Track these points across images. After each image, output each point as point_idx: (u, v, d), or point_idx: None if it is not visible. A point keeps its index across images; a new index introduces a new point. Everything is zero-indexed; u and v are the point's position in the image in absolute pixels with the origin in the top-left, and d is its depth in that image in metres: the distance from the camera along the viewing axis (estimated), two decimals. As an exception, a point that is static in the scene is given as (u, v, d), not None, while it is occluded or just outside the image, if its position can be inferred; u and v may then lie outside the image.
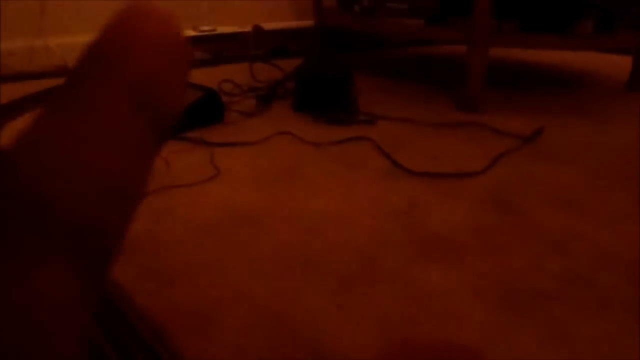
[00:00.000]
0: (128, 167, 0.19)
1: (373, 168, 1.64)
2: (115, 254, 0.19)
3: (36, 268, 0.17)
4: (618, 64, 2.86)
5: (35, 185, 0.18)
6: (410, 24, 2.43)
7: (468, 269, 1.16)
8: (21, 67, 2.51)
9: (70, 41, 2.65)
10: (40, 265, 0.17)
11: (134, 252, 1.17)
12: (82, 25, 2.71)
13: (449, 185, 1.55)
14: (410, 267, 1.16)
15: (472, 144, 1.86)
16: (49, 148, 0.18)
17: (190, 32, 2.85)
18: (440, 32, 2.40)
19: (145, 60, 0.21)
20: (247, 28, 3.00)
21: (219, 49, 2.90)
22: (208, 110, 1.91)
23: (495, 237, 1.30)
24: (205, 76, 2.31)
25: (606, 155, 1.85)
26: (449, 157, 1.75)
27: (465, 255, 1.22)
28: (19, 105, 2.05)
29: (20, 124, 1.88)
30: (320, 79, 2.06)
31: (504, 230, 1.33)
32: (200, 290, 1.06)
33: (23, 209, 0.17)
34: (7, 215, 0.17)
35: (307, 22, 3.05)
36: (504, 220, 1.37)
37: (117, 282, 1.06)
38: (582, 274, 1.17)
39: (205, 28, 2.90)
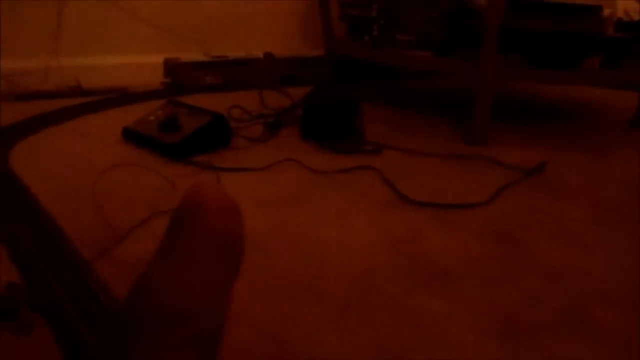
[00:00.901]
0: (222, 289, 0.28)
1: (377, 197, 1.66)
2: (220, 342, 0.29)
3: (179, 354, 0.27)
4: (624, 100, 2.88)
5: (174, 306, 0.27)
6: (418, 55, 2.46)
7: (465, 298, 1.18)
8: (35, 86, 2.55)
9: (84, 63, 2.69)
10: (181, 353, 0.27)
11: (135, 273, 1.19)
12: (96, 47, 2.75)
13: (451, 216, 1.57)
14: (408, 295, 1.18)
15: (476, 176, 1.88)
16: (177, 283, 0.26)
17: (202, 57, 2.89)
18: (448, 65, 2.43)
19: (221, 218, 0.28)
20: (259, 55, 3.04)
21: (230, 74, 2.93)
22: (216, 135, 1.94)
23: (494, 268, 1.32)
24: (215, 101, 2.35)
25: (608, 190, 1.87)
26: (452, 188, 1.78)
27: (463, 285, 1.24)
28: (31, 125, 2.08)
29: (30, 142, 1.91)
30: (327, 108, 2.09)
31: (503, 262, 1.35)
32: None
33: (165, 321, 0.27)
34: (156, 324, 0.26)
35: (318, 51, 3.09)
36: (504, 252, 1.39)
37: (117, 301, 1.08)
38: (579, 308, 1.19)
39: (217, 54, 2.93)
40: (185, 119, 1.93)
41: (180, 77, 2.80)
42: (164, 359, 0.25)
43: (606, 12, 4.28)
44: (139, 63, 2.83)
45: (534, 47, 2.38)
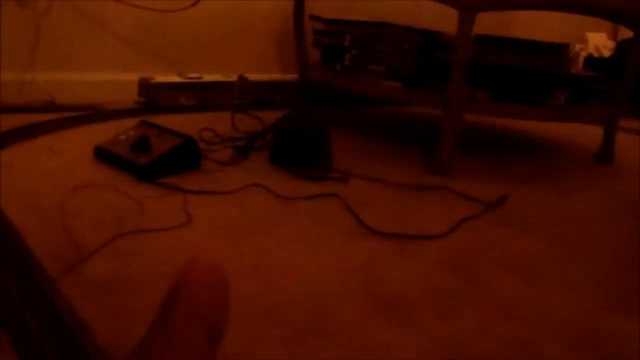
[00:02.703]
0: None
1: (339, 225, 1.70)
2: None
3: None
4: (590, 135, 2.94)
5: None
6: (389, 85, 2.51)
7: (417, 328, 1.22)
8: (9, 99, 2.56)
9: (59, 78, 2.71)
10: None
11: (100, 292, 1.22)
12: (71, 63, 2.77)
13: (410, 246, 1.61)
14: (362, 323, 1.22)
15: (438, 207, 1.93)
16: (163, 356, 0.30)
17: (176, 78, 2.92)
18: (417, 96, 2.48)
19: (208, 297, 0.33)
20: (233, 78, 3.08)
21: (204, 96, 2.96)
22: (186, 157, 1.97)
23: (448, 299, 1.36)
24: (188, 122, 2.38)
25: (567, 225, 1.92)
26: (413, 218, 1.82)
27: (416, 315, 1.27)
28: (2, 139, 2.10)
29: (1, 157, 1.93)
30: (296, 134, 2.13)
31: (457, 294, 1.39)
32: (161, 333, 1.11)
33: None
34: None
35: (292, 76, 3.13)
36: (459, 284, 1.44)
37: (80, 319, 1.11)
38: (529, 341, 1.23)
39: (192, 75, 2.97)
40: (156, 140, 1.96)
41: (154, 97, 2.82)
42: None
43: (577, 47, 4.38)
44: (113, 81, 2.85)
45: (501, 82, 2.44)
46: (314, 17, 2.95)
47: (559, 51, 2.61)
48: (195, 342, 0.29)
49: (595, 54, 4.45)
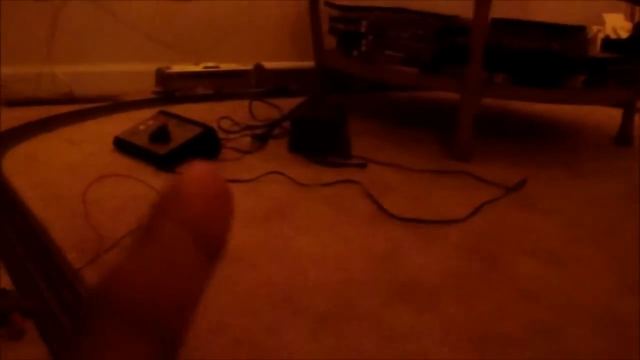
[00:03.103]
0: (194, 285, 0.29)
1: (359, 211, 1.70)
2: (180, 344, 0.30)
3: (131, 345, 0.27)
4: (609, 117, 2.93)
5: (139, 298, 0.28)
6: (406, 71, 2.50)
7: (439, 312, 1.23)
8: (28, 92, 2.58)
9: (76, 70, 2.73)
10: (133, 345, 0.27)
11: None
12: (89, 55, 2.79)
13: (431, 231, 1.61)
14: (384, 309, 1.22)
15: (458, 192, 1.93)
16: (145, 275, 0.28)
17: (193, 68, 2.92)
18: (434, 81, 2.48)
19: (201, 206, 0.30)
20: (249, 66, 3.08)
21: (221, 85, 2.97)
22: (205, 146, 1.98)
23: (469, 283, 1.36)
24: (205, 112, 2.39)
25: (586, 208, 1.91)
26: (433, 203, 1.82)
27: (438, 299, 1.28)
28: (23, 132, 2.12)
29: (22, 149, 1.95)
30: (314, 121, 2.13)
31: (478, 277, 1.39)
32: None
33: (127, 311, 0.27)
34: (114, 315, 0.27)
35: (308, 63, 3.13)
36: (479, 268, 1.44)
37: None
38: (550, 324, 1.23)
39: (209, 64, 2.97)
40: (175, 130, 1.97)
41: (172, 87, 2.83)
42: (114, 352, 0.27)
43: (594, 29, 4.35)
44: (131, 72, 2.87)
45: (518, 65, 2.43)
46: (329, 4, 2.94)
47: (575, 33, 2.60)
48: (185, 257, 0.26)
49: (613, 36, 4.42)
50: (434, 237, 1.58)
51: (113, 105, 2.64)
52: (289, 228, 1.56)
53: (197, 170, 0.30)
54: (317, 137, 2.12)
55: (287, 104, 2.46)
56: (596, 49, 4.04)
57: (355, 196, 1.80)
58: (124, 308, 0.26)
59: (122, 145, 2.01)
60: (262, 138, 2.20)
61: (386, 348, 1.10)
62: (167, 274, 0.26)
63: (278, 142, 2.22)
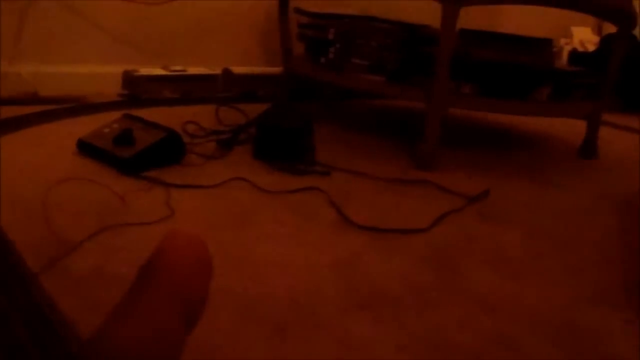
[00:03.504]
0: (174, 347, 0.30)
1: (322, 219, 1.70)
2: None
3: None
4: (574, 129, 2.95)
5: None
6: (372, 79, 2.51)
7: (398, 322, 1.23)
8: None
9: (42, 70, 2.71)
10: None
11: (82, 286, 1.22)
12: (55, 56, 2.77)
13: (392, 240, 1.62)
14: (343, 317, 1.22)
15: (421, 202, 1.93)
16: (128, 338, 0.28)
17: (161, 71, 2.91)
18: (400, 90, 2.49)
19: (185, 274, 0.31)
20: (217, 71, 3.07)
21: (188, 89, 2.96)
22: (169, 151, 1.97)
23: (429, 293, 1.36)
24: (171, 116, 2.38)
25: (549, 219, 1.93)
26: (396, 213, 1.83)
27: (398, 308, 1.28)
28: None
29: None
30: (279, 128, 2.13)
31: (437, 288, 1.40)
32: (142, 327, 1.11)
33: None
34: None
35: (277, 69, 3.13)
36: (439, 278, 1.44)
37: (62, 314, 1.11)
38: (507, 335, 1.24)
39: (176, 68, 2.96)
40: (139, 133, 1.96)
41: (138, 90, 2.82)
42: None
43: (562, 41, 4.39)
44: (97, 73, 2.85)
45: (486, 76, 2.44)
46: (298, 10, 2.95)
47: (542, 46, 2.62)
48: (168, 320, 0.27)
49: (580, 49, 4.47)
50: (396, 246, 1.58)
51: (78, 107, 2.62)
52: (251, 235, 1.55)
53: (182, 238, 0.31)
54: (281, 144, 2.12)
55: (255, 109, 2.45)
56: (562, 62, 4.08)
57: (319, 204, 1.80)
58: None
59: (86, 148, 1.99)
60: (226, 144, 2.19)
61: (344, 356, 1.10)
62: (149, 336, 0.27)
63: (243, 148, 2.21)
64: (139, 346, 0.26)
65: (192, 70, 3.01)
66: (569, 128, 3.10)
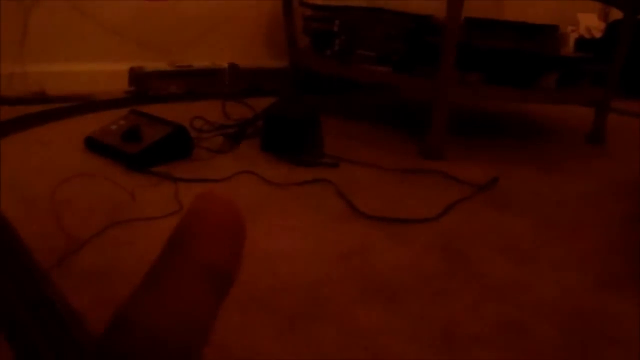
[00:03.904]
0: (205, 321, 0.29)
1: (330, 210, 1.70)
2: None
3: None
4: (582, 116, 2.94)
5: (152, 339, 0.28)
6: (378, 70, 2.51)
7: (408, 311, 1.23)
8: (-1, 92, 2.56)
9: (48, 69, 2.71)
10: None
11: (92, 282, 1.23)
12: (61, 54, 2.77)
13: (402, 230, 1.62)
14: (353, 307, 1.23)
15: (429, 191, 1.93)
16: (156, 312, 0.28)
17: (167, 67, 2.91)
18: (407, 80, 2.49)
19: (216, 242, 0.30)
20: (223, 65, 3.07)
21: (194, 84, 2.96)
22: (177, 146, 1.97)
23: (439, 282, 1.37)
24: (178, 111, 2.38)
25: (558, 206, 1.92)
26: (405, 202, 1.82)
27: (407, 298, 1.28)
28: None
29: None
30: (287, 120, 2.13)
31: (448, 276, 1.40)
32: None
33: (140, 355, 0.27)
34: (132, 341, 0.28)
35: (282, 63, 3.13)
36: (450, 266, 1.44)
37: (72, 309, 1.11)
38: (518, 322, 1.24)
39: (182, 63, 2.96)
40: (147, 129, 1.97)
41: (145, 86, 2.82)
42: None
43: (569, 28, 4.38)
44: (104, 71, 2.85)
45: (492, 65, 2.44)
46: (303, 3, 2.95)
47: (548, 33, 2.61)
48: (198, 292, 0.27)
49: (587, 35, 4.45)
50: (405, 235, 1.58)
51: (85, 105, 2.62)
52: (260, 227, 1.55)
53: (213, 201, 0.30)
54: (289, 136, 2.12)
55: (261, 103, 2.45)
56: (569, 49, 4.07)
57: (327, 195, 1.80)
58: (140, 337, 0.26)
59: (94, 145, 1.99)
60: (234, 137, 2.19)
61: (354, 346, 1.10)
62: (180, 308, 0.26)
63: (251, 142, 2.21)
64: (169, 319, 0.25)
65: (198, 65, 3.01)
66: (577, 115, 3.10)
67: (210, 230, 0.28)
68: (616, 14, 3.62)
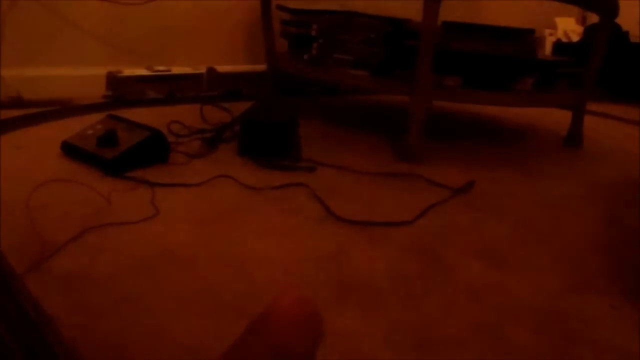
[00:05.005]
0: None
1: (307, 214, 1.70)
2: None
3: None
4: (559, 119, 2.96)
5: None
6: (356, 74, 2.52)
7: (383, 314, 1.23)
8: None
9: (25, 74, 2.69)
10: None
11: (67, 287, 1.22)
12: (38, 59, 2.75)
13: (378, 233, 1.62)
14: (327, 311, 1.22)
15: (406, 194, 1.94)
16: None
17: (145, 71, 2.91)
18: (384, 84, 2.49)
19: (293, 335, 0.31)
20: (202, 70, 3.07)
21: (173, 89, 2.96)
22: (153, 150, 1.97)
23: (415, 285, 1.37)
24: (156, 116, 2.38)
25: (534, 209, 1.94)
26: (382, 206, 1.83)
27: (383, 301, 1.29)
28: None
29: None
30: (264, 124, 2.13)
31: (423, 279, 1.40)
32: (127, 325, 1.11)
33: None
34: None
35: (261, 66, 3.13)
36: (425, 269, 1.45)
37: (45, 314, 1.10)
38: (492, 323, 1.24)
39: (160, 68, 2.96)
40: (123, 134, 1.96)
41: (123, 91, 2.82)
42: None
43: (547, 32, 4.40)
44: (81, 75, 2.84)
45: (469, 68, 2.45)
46: (281, 7, 2.95)
47: (525, 36, 2.63)
48: None
49: (565, 39, 4.48)
50: (381, 239, 1.59)
51: (62, 109, 2.61)
52: (236, 231, 1.55)
53: (291, 295, 0.31)
54: (266, 140, 2.12)
55: (240, 107, 2.45)
56: (545, 52, 4.09)
57: (304, 199, 1.81)
58: None
59: (70, 150, 1.99)
60: (211, 142, 2.19)
61: (328, 350, 1.10)
62: None
63: (228, 146, 2.21)
64: None
65: (176, 70, 3.00)
66: (554, 118, 3.11)
67: (287, 322, 0.29)
68: (594, 18, 3.64)
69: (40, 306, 1.14)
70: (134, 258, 1.36)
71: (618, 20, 2.80)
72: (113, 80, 2.82)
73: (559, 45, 4.30)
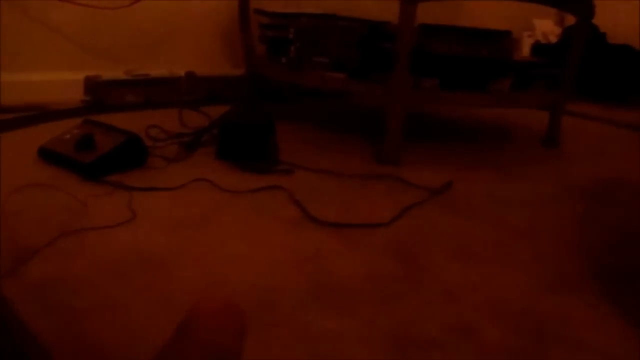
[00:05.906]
0: None
1: (284, 217, 1.71)
2: None
3: None
4: (538, 120, 2.97)
5: None
6: (333, 77, 2.52)
7: (359, 315, 1.24)
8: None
9: (2, 79, 2.68)
10: None
11: (42, 292, 1.22)
12: (15, 63, 2.74)
13: (355, 235, 1.62)
14: (304, 313, 1.23)
15: (384, 196, 1.94)
16: None
17: (123, 76, 2.90)
18: (362, 87, 2.50)
19: (218, 334, 0.32)
20: (180, 74, 3.06)
21: (151, 93, 2.95)
22: (131, 154, 1.97)
23: (391, 286, 1.37)
24: (134, 120, 2.37)
25: (511, 209, 1.94)
26: (359, 208, 1.83)
27: (359, 302, 1.29)
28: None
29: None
30: (241, 127, 2.13)
31: (400, 280, 1.41)
32: (103, 329, 1.11)
33: None
34: None
35: (240, 71, 3.13)
36: (402, 270, 1.45)
37: (22, 319, 1.10)
38: (469, 324, 1.25)
39: (139, 72, 2.95)
40: (100, 138, 1.96)
41: (101, 95, 2.81)
42: None
43: (525, 34, 4.42)
44: (59, 80, 2.83)
45: (446, 70, 2.46)
46: (258, 11, 2.95)
47: (501, 38, 2.64)
48: None
49: (543, 40, 4.50)
50: (358, 241, 1.59)
51: (40, 114, 2.60)
52: (213, 235, 1.56)
53: (214, 299, 0.32)
54: (244, 143, 2.12)
55: (219, 111, 2.44)
56: (522, 53, 4.11)
57: (281, 202, 1.81)
58: None
59: (47, 155, 1.98)
60: (189, 146, 2.19)
61: (305, 352, 1.11)
62: None
63: (206, 150, 2.21)
64: None
65: (155, 74, 2.99)
66: (532, 119, 3.13)
67: (213, 323, 0.30)
68: (572, 20, 3.67)
69: (15, 311, 1.14)
70: (110, 262, 1.36)
71: (597, 22, 2.82)
72: (91, 85, 2.81)
73: (537, 47, 4.32)
